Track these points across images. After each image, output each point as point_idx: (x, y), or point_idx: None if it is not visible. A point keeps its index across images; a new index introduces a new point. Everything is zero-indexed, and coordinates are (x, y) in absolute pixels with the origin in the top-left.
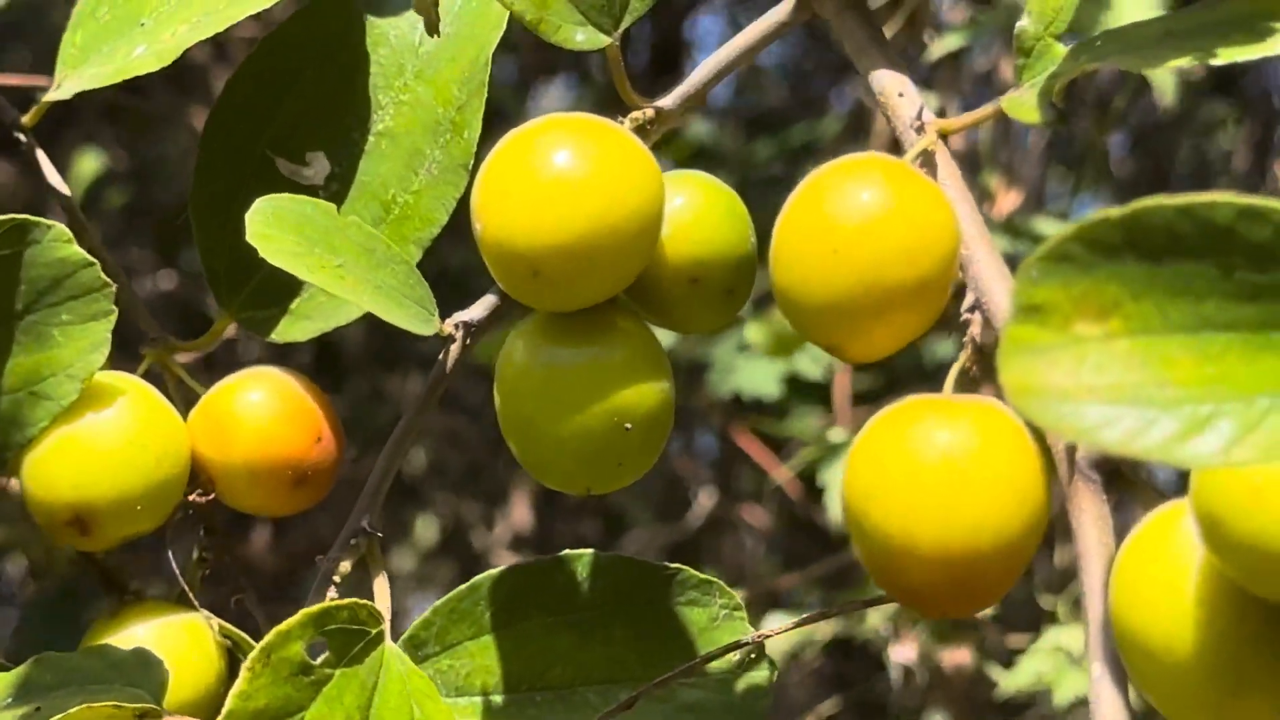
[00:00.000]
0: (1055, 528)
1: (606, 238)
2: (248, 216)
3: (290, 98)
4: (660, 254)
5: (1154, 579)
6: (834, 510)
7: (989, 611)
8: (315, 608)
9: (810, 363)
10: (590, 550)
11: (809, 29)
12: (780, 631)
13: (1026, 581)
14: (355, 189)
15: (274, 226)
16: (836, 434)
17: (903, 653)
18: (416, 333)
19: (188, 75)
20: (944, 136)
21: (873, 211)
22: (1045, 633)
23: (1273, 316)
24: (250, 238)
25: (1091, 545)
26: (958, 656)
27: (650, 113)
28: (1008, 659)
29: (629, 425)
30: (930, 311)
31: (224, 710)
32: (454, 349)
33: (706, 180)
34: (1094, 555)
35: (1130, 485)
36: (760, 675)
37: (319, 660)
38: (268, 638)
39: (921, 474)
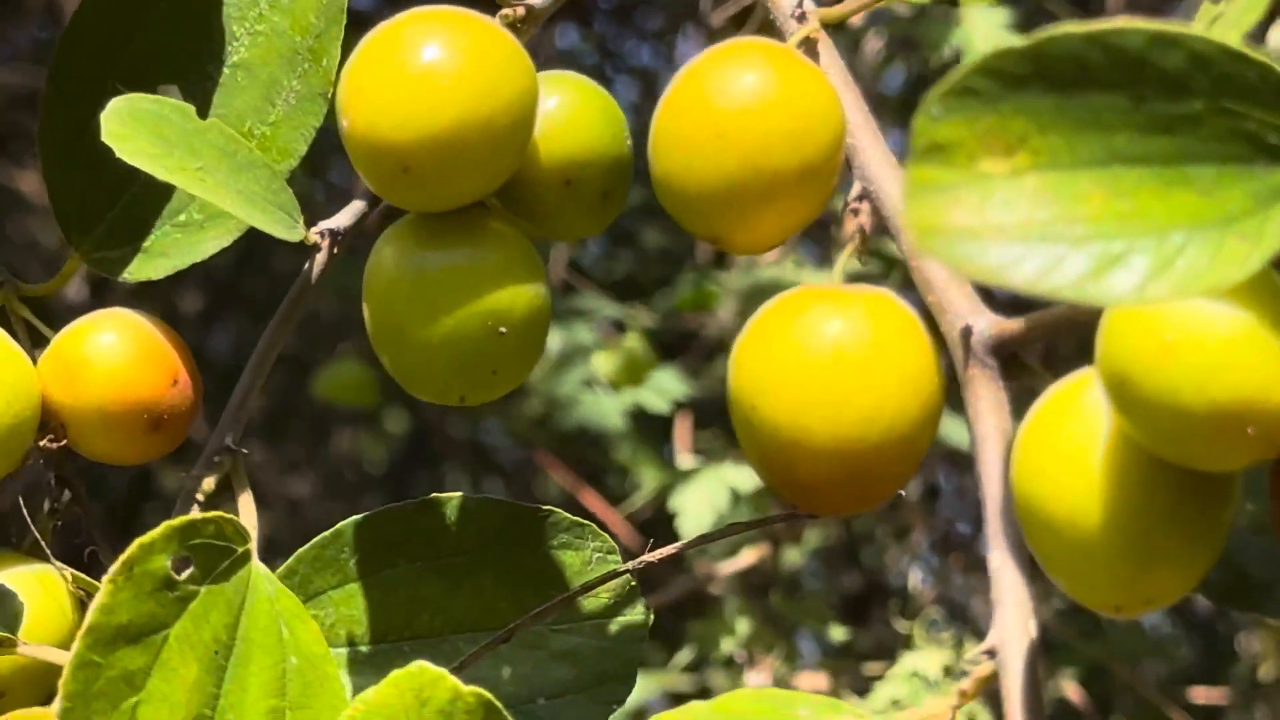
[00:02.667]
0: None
1: (478, 131)
2: (103, 116)
3: (142, 31)
4: (534, 155)
5: (1060, 451)
6: (689, 533)
7: (843, 639)
8: (179, 520)
9: (654, 396)
10: (459, 494)
11: None
12: (659, 556)
13: (882, 608)
14: None
15: (131, 127)
16: (685, 460)
17: (758, 679)
18: (281, 237)
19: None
20: (826, 25)
21: (757, 95)
22: (901, 658)
23: (1186, 149)
24: (106, 138)
25: (988, 431)
26: (814, 682)
27: (521, 10)
28: (864, 687)
29: (504, 329)
30: (816, 199)
31: (85, 624)
32: (320, 258)
33: (581, 81)
34: (990, 441)
35: (1026, 369)
36: (636, 618)
37: (184, 576)
38: (130, 550)
39: (813, 364)
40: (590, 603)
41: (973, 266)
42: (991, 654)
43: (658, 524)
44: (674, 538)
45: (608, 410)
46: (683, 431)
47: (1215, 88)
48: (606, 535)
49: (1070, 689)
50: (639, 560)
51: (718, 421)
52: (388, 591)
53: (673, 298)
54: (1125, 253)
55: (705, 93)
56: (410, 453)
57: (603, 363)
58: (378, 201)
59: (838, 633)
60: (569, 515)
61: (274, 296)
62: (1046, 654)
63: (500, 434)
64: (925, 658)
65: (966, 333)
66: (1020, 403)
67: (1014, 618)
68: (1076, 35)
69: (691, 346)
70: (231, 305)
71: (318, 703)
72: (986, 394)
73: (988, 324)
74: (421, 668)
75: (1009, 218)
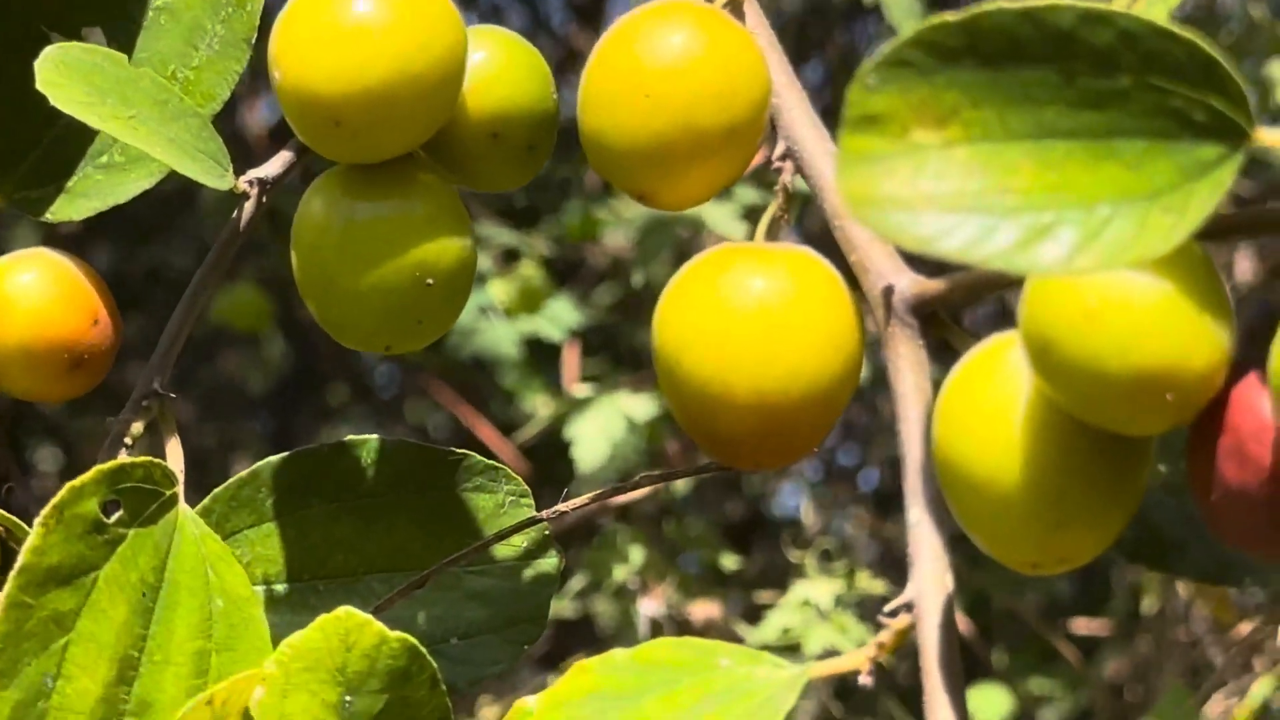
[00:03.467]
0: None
1: (410, 85)
2: (37, 64)
3: None
4: (462, 108)
5: (980, 411)
6: (584, 462)
7: (736, 567)
8: (108, 464)
9: (549, 324)
10: (375, 436)
11: None
12: (572, 509)
13: (776, 538)
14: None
15: (64, 75)
16: (580, 389)
17: (651, 606)
18: (210, 185)
19: None
20: None
21: (686, 53)
22: (793, 587)
23: (1114, 123)
24: (40, 85)
25: (908, 389)
26: (707, 610)
27: None
28: (756, 615)
29: (431, 280)
30: (743, 158)
31: (16, 566)
32: (248, 206)
33: (508, 35)
34: (911, 399)
35: (946, 329)
36: (548, 563)
37: (112, 519)
38: (60, 494)
39: (737, 320)
40: (504, 547)
41: (905, 236)
42: (909, 607)
43: (548, 451)
44: (567, 466)
45: (503, 338)
46: (571, 360)
47: (1143, 64)
48: (519, 479)
49: (958, 619)
50: (554, 510)
51: (605, 350)
52: (303, 531)
53: (562, 226)
54: (1054, 224)
55: (634, 52)
56: (294, 379)
57: (499, 290)
58: (306, 151)
59: (729, 561)
60: (483, 459)
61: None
62: None
63: (385, 360)
64: (816, 587)
65: (888, 292)
66: (940, 360)
67: (931, 571)
68: (1009, 11)
69: (580, 274)
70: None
71: (243, 644)
72: (907, 352)
73: (909, 283)
74: (348, 612)
75: (941, 188)
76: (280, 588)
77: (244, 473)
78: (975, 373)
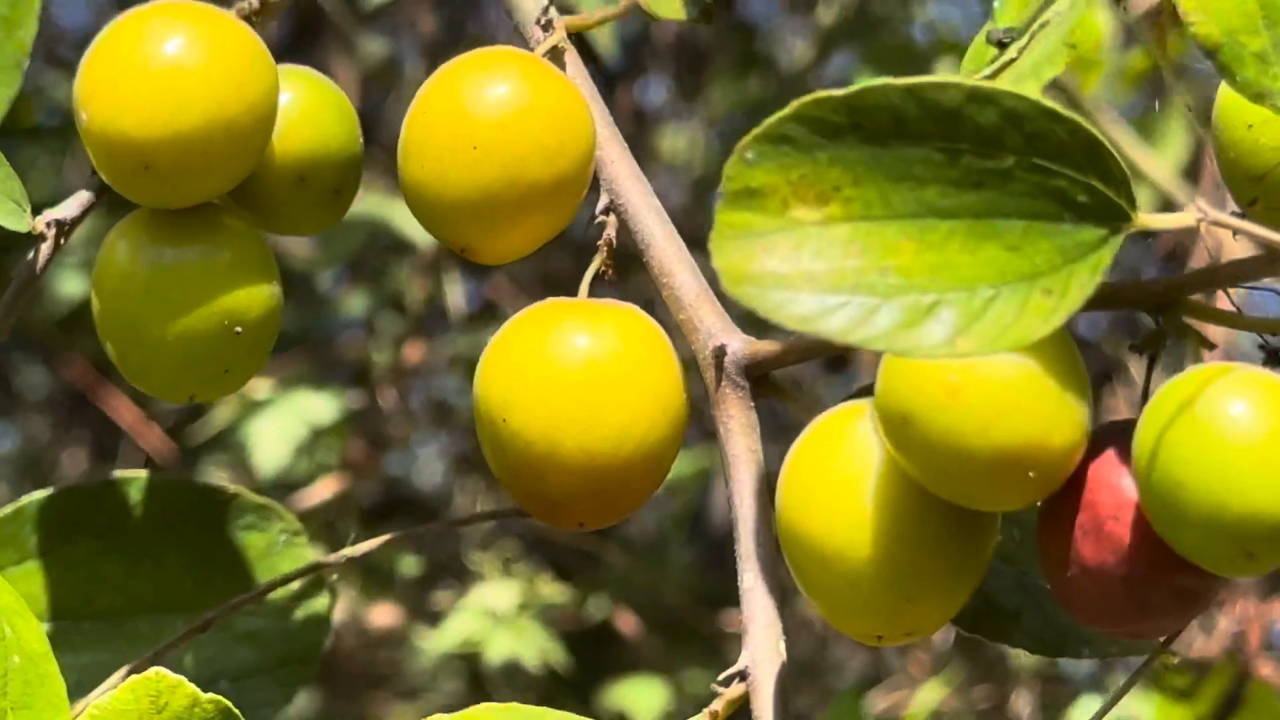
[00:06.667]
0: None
1: (224, 129)
2: None
3: None
4: (269, 152)
5: (829, 482)
6: (263, 465)
7: (416, 571)
8: None
9: None
10: (144, 471)
11: None
12: (345, 557)
13: (455, 540)
14: None
15: None
16: (258, 388)
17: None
18: (8, 227)
19: None
20: (572, 34)
21: (515, 106)
22: (471, 590)
23: (995, 204)
24: None
25: (740, 452)
26: (389, 614)
27: (255, 2)
28: (435, 619)
29: (239, 329)
30: (566, 211)
31: None
32: (44, 248)
33: (315, 76)
34: (742, 462)
35: (778, 391)
36: (320, 603)
37: None
38: None
39: (566, 379)
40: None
41: (784, 314)
42: (743, 676)
43: (216, 449)
44: (248, 467)
45: None
46: None
47: (1027, 145)
48: (291, 515)
49: None
50: (340, 554)
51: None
52: (69, 569)
53: None
54: (935, 305)
55: (460, 101)
56: None
57: None
58: (105, 191)
59: (409, 565)
60: (255, 496)
61: None
62: None
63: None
64: (495, 591)
65: (719, 352)
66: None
67: (765, 640)
68: (894, 87)
69: None
70: None
71: (39, 701)
72: (738, 414)
73: (741, 344)
74: (159, 674)
75: (821, 266)
76: (45, 627)
77: (7, 509)
78: (823, 442)
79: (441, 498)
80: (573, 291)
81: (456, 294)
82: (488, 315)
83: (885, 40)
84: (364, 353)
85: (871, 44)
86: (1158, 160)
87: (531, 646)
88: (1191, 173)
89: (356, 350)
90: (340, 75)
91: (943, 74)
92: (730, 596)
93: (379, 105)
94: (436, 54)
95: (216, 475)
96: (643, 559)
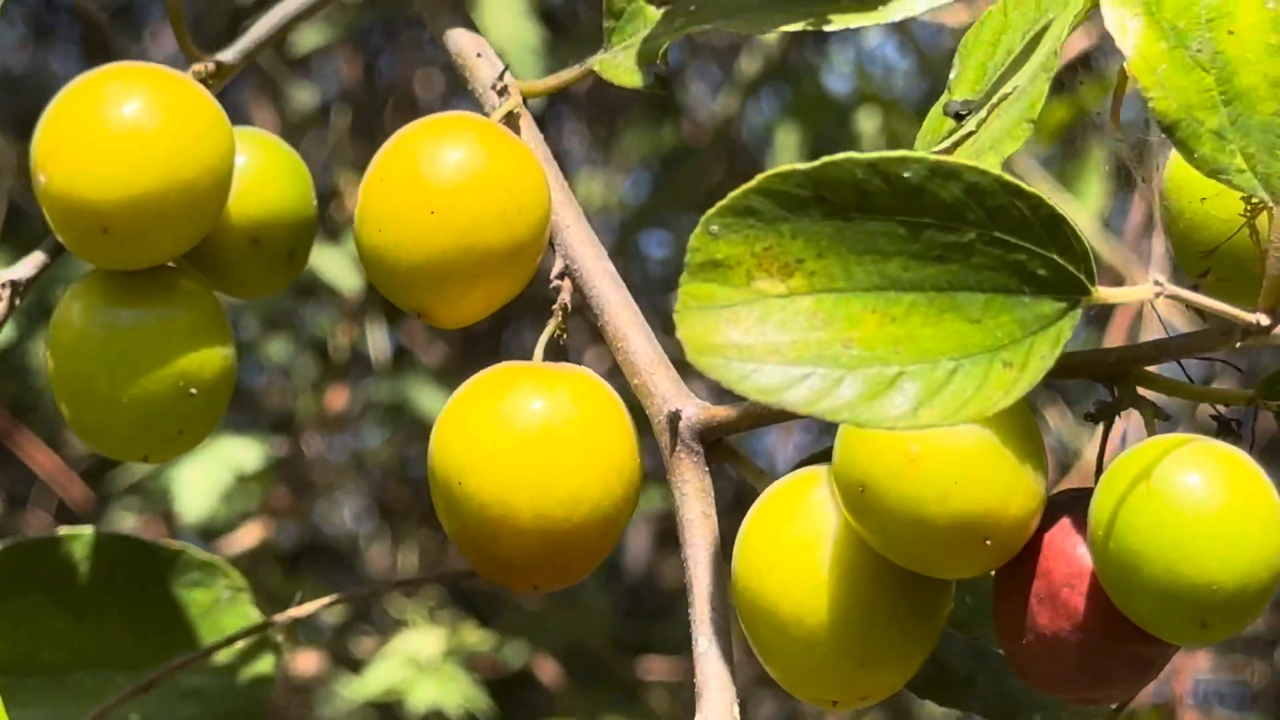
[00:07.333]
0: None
1: (181, 192)
2: None
3: None
4: (223, 213)
5: (785, 548)
6: (188, 513)
7: (338, 618)
8: None
9: None
10: (90, 527)
11: None
12: (291, 618)
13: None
14: None
15: None
16: None
17: None
18: None
19: None
20: (527, 99)
21: (471, 172)
22: (394, 638)
23: (957, 277)
24: None
25: (694, 516)
26: (310, 662)
27: (211, 66)
28: (357, 666)
29: (194, 390)
30: (522, 275)
31: None
32: (0, 308)
33: (269, 139)
34: (697, 526)
35: (733, 456)
36: (265, 663)
37: None
38: None
39: (521, 443)
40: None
41: (748, 385)
42: None
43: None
44: (169, 515)
45: None
46: None
47: (989, 219)
48: (236, 573)
49: None
50: (286, 614)
51: None
52: (13, 625)
53: None
54: (897, 377)
55: (417, 168)
56: None
57: None
58: (59, 252)
59: (332, 612)
60: (200, 553)
61: None
62: None
63: None
64: (419, 639)
65: (674, 417)
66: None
67: (719, 703)
68: (858, 161)
69: None
70: None
71: None
72: (693, 478)
73: (695, 410)
74: None
75: (784, 338)
76: None
77: None
78: (779, 508)
79: (354, 544)
80: (482, 336)
81: (380, 340)
82: (406, 363)
83: (805, 90)
84: (286, 399)
85: (793, 94)
86: (1078, 211)
87: (455, 694)
88: (1113, 223)
89: (278, 396)
90: (263, 121)
91: (902, 150)
92: (651, 643)
93: (305, 152)
94: (359, 100)
95: (132, 521)
96: (559, 603)
